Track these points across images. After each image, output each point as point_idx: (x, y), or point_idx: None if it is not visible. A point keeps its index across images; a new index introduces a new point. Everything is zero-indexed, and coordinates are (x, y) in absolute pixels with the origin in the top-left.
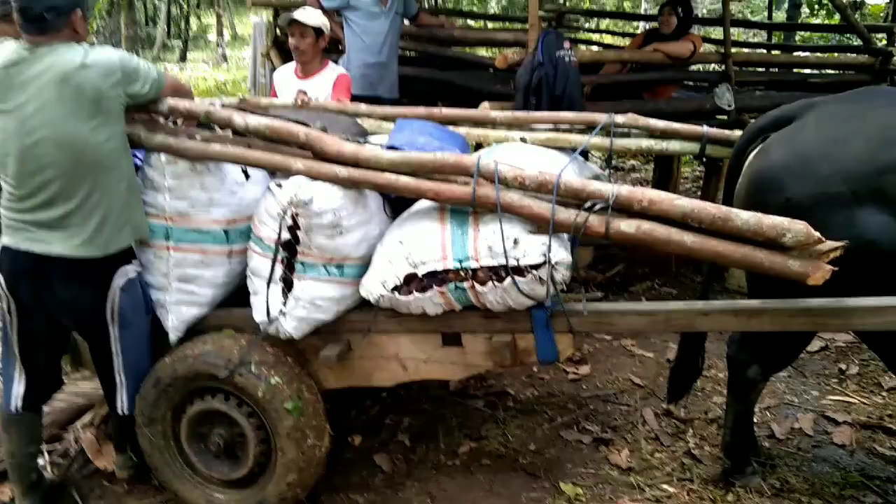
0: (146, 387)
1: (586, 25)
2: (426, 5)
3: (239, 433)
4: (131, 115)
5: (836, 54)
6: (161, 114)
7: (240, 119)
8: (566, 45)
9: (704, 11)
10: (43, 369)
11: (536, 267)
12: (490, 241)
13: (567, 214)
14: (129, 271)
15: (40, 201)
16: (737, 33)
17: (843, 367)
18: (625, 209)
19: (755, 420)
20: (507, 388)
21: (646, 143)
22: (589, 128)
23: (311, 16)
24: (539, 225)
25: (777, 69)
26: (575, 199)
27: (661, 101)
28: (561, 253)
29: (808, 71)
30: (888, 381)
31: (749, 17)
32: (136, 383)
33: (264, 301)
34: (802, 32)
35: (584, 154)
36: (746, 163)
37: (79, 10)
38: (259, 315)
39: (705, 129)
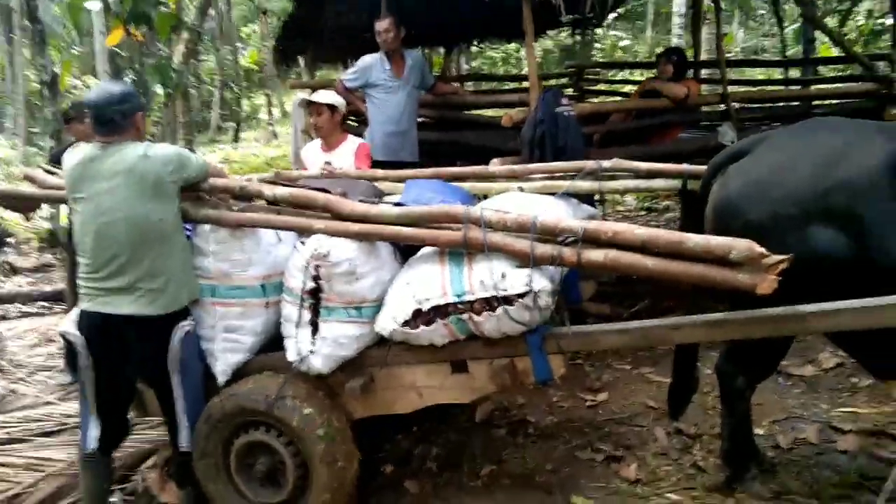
0: (200, 423)
1: (608, 76)
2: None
3: (280, 461)
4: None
5: (839, 85)
6: (204, 191)
7: (268, 191)
8: (564, 101)
9: (739, 50)
10: (114, 416)
11: (522, 296)
12: (482, 276)
13: (544, 249)
14: (185, 326)
15: (112, 271)
16: (755, 72)
17: (856, 380)
18: (594, 240)
19: (761, 432)
20: (527, 417)
21: (632, 183)
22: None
23: (323, 96)
24: (522, 259)
25: (782, 103)
26: (551, 235)
27: (667, 143)
28: (542, 282)
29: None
30: None
31: (779, 54)
32: (193, 421)
33: (295, 343)
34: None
35: (590, 199)
36: (710, 193)
37: (140, 113)
38: (292, 355)
39: (685, 166)
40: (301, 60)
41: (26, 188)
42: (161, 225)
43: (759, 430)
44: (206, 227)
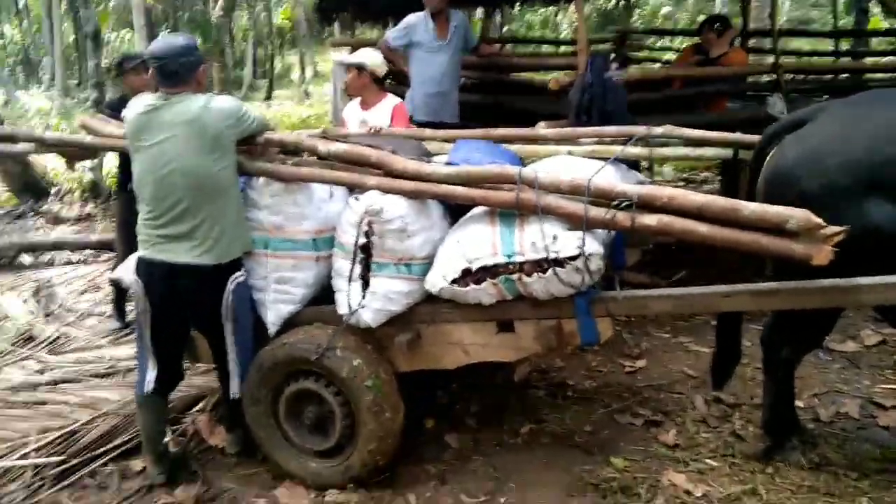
0: (251, 372)
1: (649, 43)
2: (491, 31)
3: (328, 410)
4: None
5: (892, 58)
6: (259, 144)
7: (322, 146)
8: (613, 66)
9: (784, 20)
10: (170, 360)
11: (573, 258)
12: (533, 238)
13: (598, 212)
14: (238, 277)
15: (170, 219)
16: (806, 43)
17: None
18: (648, 205)
19: (802, 405)
20: (566, 380)
21: (682, 150)
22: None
23: (353, 56)
24: (575, 222)
25: (832, 75)
26: (605, 198)
27: (715, 112)
28: (594, 246)
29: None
30: None
31: (829, 25)
32: (244, 370)
33: (346, 296)
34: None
35: (635, 165)
36: (765, 163)
37: (203, 66)
38: (342, 308)
39: (736, 135)
40: (337, 20)
41: (85, 137)
42: (218, 176)
43: (799, 403)
44: (261, 180)
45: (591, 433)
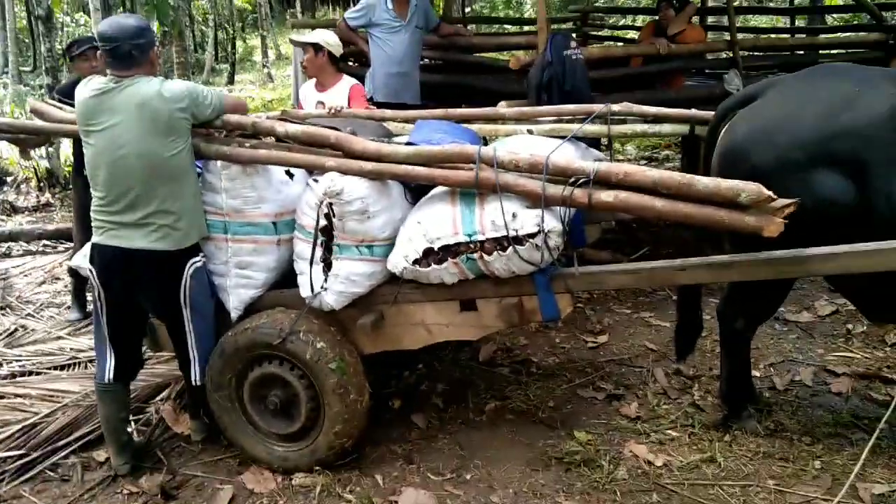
0: (214, 358)
1: (610, 21)
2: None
3: (292, 394)
4: (193, 131)
5: (848, 34)
6: (216, 128)
7: (280, 128)
8: (573, 44)
9: None
10: (128, 348)
11: (532, 236)
12: (493, 217)
13: (556, 189)
14: (196, 262)
15: (124, 205)
16: (764, 20)
17: (851, 327)
18: (605, 182)
19: (758, 374)
20: (530, 357)
21: (640, 127)
22: (596, 118)
23: (309, 36)
24: (533, 200)
25: (789, 52)
26: (563, 175)
27: (673, 90)
28: (553, 223)
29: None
30: (892, 338)
31: (786, 2)
32: (206, 356)
33: (308, 279)
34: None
35: (596, 144)
36: (718, 138)
37: (156, 47)
38: (305, 291)
39: (693, 112)
40: (297, 1)
41: (35, 122)
42: (173, 161)
43: (755, 373)
44: (218, 163)
45: (554, 408)
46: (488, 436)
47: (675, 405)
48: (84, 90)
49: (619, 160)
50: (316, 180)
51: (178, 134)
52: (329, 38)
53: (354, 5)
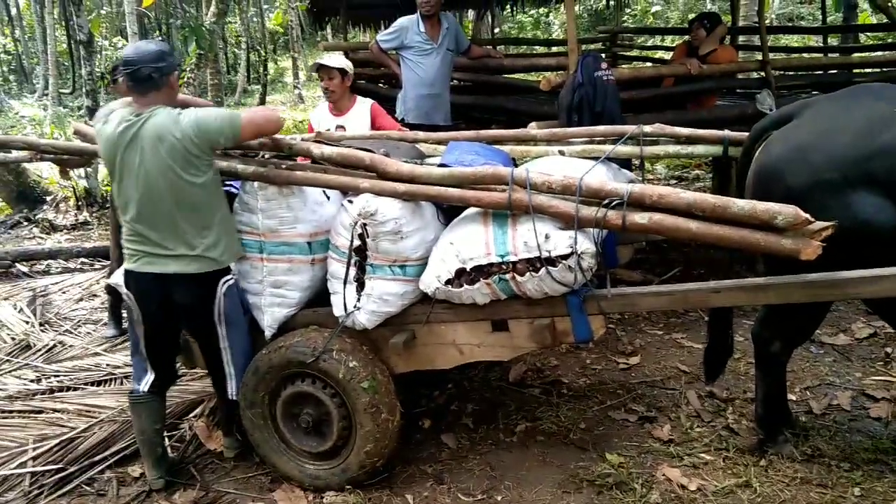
0: (248, 375)
1: (639, 41)
2: (484, 32)
3: (325, 412)
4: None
5: (882, 53)
6: (253, 149)
7: (316, 150)
8: (603, 65)
9: (774, 17)
10: (164, 364)
11: (566, 257)
12: (526, 238)
13: (589, 211)
14: (228, 280)
15: (156, 237)
16: (796, 39)
17: (890, 350)
18: (639, 203)
19: (794, 398)
20: (561, 378)
21: (672, 148)
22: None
23: (334, 60)
24: (566, 221)
25: (821, 71)
26: (596, 197)
27: (704, 110)
28: (586, 244)
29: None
30: None
31: (817, 21)
32: (241, 372)
33: (342, 299)
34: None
35: (627, 164)
36: (753, 159)
37: (176, 72)
38: (338, 310)
39: (726, 132)
40: (329, 23)
41: (78, 143)
42: (198, 190)
43: (791, 396)
44: (255, 184)
45: (585, 430)
46: (519, 457)
47: (708, 428)
48: (107, 127)
49: (649, 180)
50: (350, 201)
51: (197, 164)
52: (349, 63)
53: (385, 28)
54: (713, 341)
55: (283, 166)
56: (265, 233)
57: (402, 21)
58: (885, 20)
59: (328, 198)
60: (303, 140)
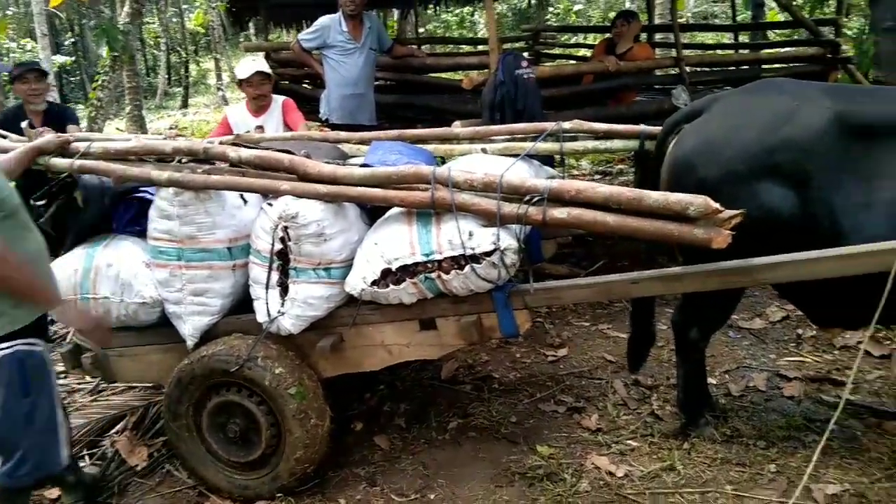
0: (170, 387)
1: (562, 39)
2: (408, 31)
3: (252, 421)
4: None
5: (788, 49)
6: (167, 155)
7: (233, 153)
8: (524, 64)
9: (689, 15)
10: None
11: (489, 254)
12: (450, 236)
13: (511, 208)
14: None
15: None
16: (709, 36)
17: (801, 332)
18: (559, 199)
19: (714, 381)
20: (492, 373)
21: (591, 144)
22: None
23: (260, 64)
24: (489, 218)
25: (733, 67)
26: (517, 194)
27: (623, 106)
28: (509, 240)
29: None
30: (840, 341)
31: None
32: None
33: (265, 304)
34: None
35: (550, 161)
36: (666, 152)
37: None
38: (261, 316)
39: (642, 127)
40: (250, 24)
41: None
42: None
43: (711, 380)
44: (170, 190)
45: (516, 423)
46: (452, 454)
47: (634, 415)
48: None
49: (573, 175)
50: (270, 204)
51: None
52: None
53: (308, 27)
54: (636, 331)
55: (199, 170)
56: (183, 239)
57: (323, 20)
58: (791, 18)
59: (245, 201)
60: (219, 143)
